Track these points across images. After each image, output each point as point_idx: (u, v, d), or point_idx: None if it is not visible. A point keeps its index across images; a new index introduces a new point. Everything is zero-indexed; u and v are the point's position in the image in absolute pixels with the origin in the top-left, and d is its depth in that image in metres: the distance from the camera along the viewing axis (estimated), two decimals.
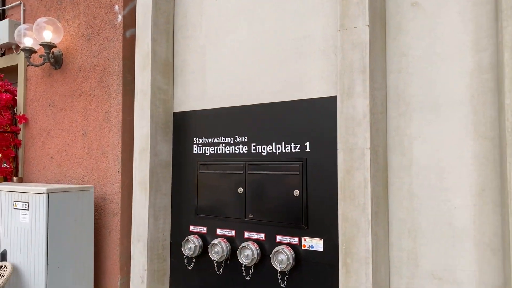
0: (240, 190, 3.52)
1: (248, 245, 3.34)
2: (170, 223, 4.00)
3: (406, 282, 2.72)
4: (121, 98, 4.11)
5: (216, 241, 3.52)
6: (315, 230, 3.14)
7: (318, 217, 3.13)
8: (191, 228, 3.84)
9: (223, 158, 3.67)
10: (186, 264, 3.75)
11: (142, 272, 3.81)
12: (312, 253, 3.15)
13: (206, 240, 3.74)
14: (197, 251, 3.66)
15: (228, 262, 3.56)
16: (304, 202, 3.18)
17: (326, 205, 3.09)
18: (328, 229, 3.08)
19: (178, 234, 3.94)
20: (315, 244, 3.14)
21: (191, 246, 3.69)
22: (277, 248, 3.20)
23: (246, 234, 3.50)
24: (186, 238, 3.72)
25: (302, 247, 3.20)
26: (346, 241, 2.72)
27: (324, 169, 3.11)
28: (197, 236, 3.74)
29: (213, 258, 3.53)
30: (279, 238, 3.32)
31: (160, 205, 3.91)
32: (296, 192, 3.22)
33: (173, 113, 4.07)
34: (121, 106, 4.11)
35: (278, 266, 3.17)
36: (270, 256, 3.22)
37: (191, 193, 3.86)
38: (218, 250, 3.50)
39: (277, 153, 3.36)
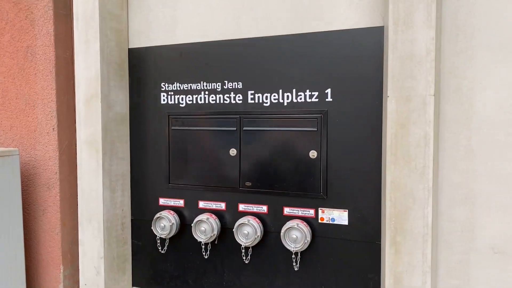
0: (233, 152, 2.72)
1: (248, 221, 2.61)
2: (130, 196, 3.08)
3: (458, 258, 2.25)
4: (52, 26, 2.93)
5: (203, 217, 2.72)
6: (338, 199, 2.51)
7: (342, 184, 2.49)
8: (161, 201, 2.97)
9: (207, 110, 2.80)
10: (159, 247, 2.91)
11: (97, 261, 2.89)
12: (333, 227, 2.54)
13: (183, 216, 2.92)
14: (173, 231, 2.83)
15: (216, 243, 2.81)
16: (323, 165, 2.51)
17: (353, 169, 2.46)
18: (355, 199, 2.47)
19: (142, 210, 3.04)
20: (338, 216, 2.52)
21: (165, 224, 2.84)
22: (289, 224, 2.53)
23: (242, 207, 2.75)
24: (158, 215, 2.85)
25: (320, 221, 2.57)
26: (396, 214, 2.13)
27: (352, 124, 2.44)
28: (172, 212, 2.89)
29: (199, 239, 2.74)
30: (287, 210, 2.64)
31: (117, 172, 2.95)
32: (313, 154, 2.53)
33: (130, 49, 3.02)
34: (52, 38, 2.94)
35: (291, 246, 2.51)
36: (281, 233, 2.54)
37: (159, 157, 2.95)
38: (205, 229, 2.72)
39: (285, 104, 2.60)
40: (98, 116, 2.80)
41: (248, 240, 2.63)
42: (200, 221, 2.73)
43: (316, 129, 2.52)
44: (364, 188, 2.45)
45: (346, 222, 2.50)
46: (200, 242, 2.78)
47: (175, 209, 2.93)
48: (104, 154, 2.82)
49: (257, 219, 2.67)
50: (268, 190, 2.66)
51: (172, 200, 2.94)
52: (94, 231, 2.87)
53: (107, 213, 2.87)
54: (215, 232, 2.71)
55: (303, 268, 2.61)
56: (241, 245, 2.68)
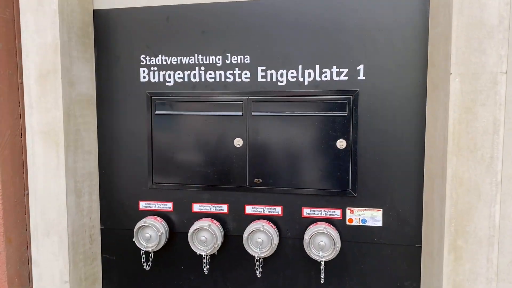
0: (238, 142, 2.20)
1: (263, 226, 2.13)
2: (100, 200, 2.42)
3: (510, 260, 1.99)
4: None
5: (203, 224, 2.18)
6: (370, 197, 2.13)
7: (376, 179, 2.11)
8: (142, 205, 2.37)
9: (203, 90, 2.24)
10: (143, 263, 2.32)
11: (59, 285, 2.22)
12: (364, 230, 2.15)
13: (171, 223, 2.35)
14: (162, 242, 2.26)
15: (215, 254, 2.29)
16: (353, 157, 2.11)
17: (389, 161, 2.08)
18: (391, 196, 2.10)
19: (115, 216, 2.41)
20: (370, 217, 2.14)
21: (151, 234, 2.25)
22: (315, 228, 2.09)
23: (249, 209, 2.26)
24: (141, 224, 2.25)
25: (348, 223, 2.17)
26: (458, 214, 1.80)
27: (388, 108, 2.06)
28: (158, 219, 2.31)
29: (199, 251, 2.20)
30: (307, 212, 2.20)
31: (83, 171, 2.28)
32: (341, 143, 2.11)
33: (95, 11, 2.33)
34: None
35: (318, 255, 2.09)
36: (306, 239, 2.10)
37: (137, 150, 2.34)
38: (206, 239, 2.19)
39: (306, 83, 2.13)
40: (57, 97, 2.11)
41: (263, 250, 2.15)
42: (200, 228, 2.19)
43: (345, 114, 2.09)
44: (402, 184, 2.09)
45: (380, 223, 2.13)
46: (200, 254, 2.24)
47: (161, 214, 2.35)
48: (67, 147, 2.14)
49: (271, 224, 2.20)
50: (283, 187, 2.20)
51: (156, 203, 2.35)
52: (54, 248, 2.20)
53: (72, 224, 2.20)
54: (219, 242, 2.19)
55: (329, 280, 2.20)
56: (253, 256, 2.19)
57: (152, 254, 2.33)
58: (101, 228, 2.43)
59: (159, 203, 2.34)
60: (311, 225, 2.15)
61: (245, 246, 2.17)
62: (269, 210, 2.23)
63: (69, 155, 2.16)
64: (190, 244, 2.21)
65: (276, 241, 2.13)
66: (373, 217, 2.14)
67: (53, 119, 2.12)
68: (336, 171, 2.13)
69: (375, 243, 2.15)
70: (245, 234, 2.16)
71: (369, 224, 2.14)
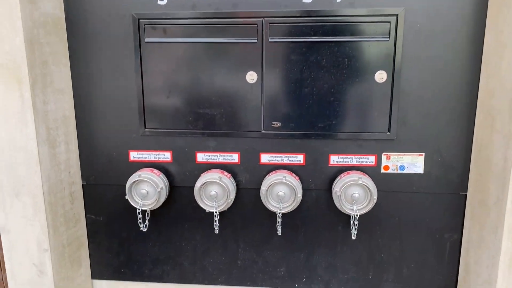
0: (252, 77, 1.78)
1: (284, 177, 1.78)
2: (79, 151, 1.98)
3: None
4: None
5: (213, 176, 1.80)
6: (412, 140, 1.81)
7: (419, 119, 1.78)
8: (134, 155, 1.95)
9: (205, 11, 1.77)
10: (140, 224, 1.93)
11: (37, 256, 1.82)
12: (402, 178, 1.85)
13: (171, 176, 1.95)
14: (162, 198, 1.87)
15: (225, 211, 1.93)
16: (396, 93, 1.75)
17: (436, 96, 1.75)
18: (435, 138, 1.79)
19: (100, 170, 1.98)
20: (410, 163, 1.83)
21: (148, 190, 1.86)
22: (348, 178, 1.77)
23: (265, 158, 1.89)
24: (135, 177, 1.84)
25: (383, 170, 1.85)
26: None
27: (442, 31, 1.68)
28: (156, 171, 1.90)
29: (208, 208, 1.84)
30: (335, 159, 1.86)
31: (56, 115, 1.81)
32: (381, 76, 1.73)
33: None
34: None
35: (352, 208, 1.78)
36: (335, 191, 1.77)
37: (124, 88, 1.87)
38: (217, 193, 1.82)
39: (338, 0, 1.71)
40: (15, 18, 1.58)
41: (285, 205, 1.82)
42: (210, 182, 1.81)
43: (387, 39, 1.70)
44: (450, 123, 1.77)
45: (421, 170, 1.83)
46: (209, 212, 1.88)
47: (157, 166, 1.94)
48: (33, 85, 1.65)
49: (293, 175, 1.85)
50: (306, 131, 1.83)
51: (151, 153, 1.93)
52: (27, 211, 1.77)
53: (47, 181, 1.77)
54: (232, 197, 1.83)
55: (359, 235, 1.92)
56: (270, 212, 1.86)
57: (149, 212, 1.96)
58: (83, 185, 2.01)
59: (154, 153, 1.93)
60: (342, 175, 1.82)
61: (263, 201, 1.82)
62: (289, 159, 1.88)
63: (37, 94, 1.68)
64: (198, 200, 1.84)
65: (300, 194, 1.80)
66: (413, 163, 1.83)
67: (12, 48, 1.61)
68: (374, 110, 1.78)
69: (414, 192, 1.86)
70: (263, 187, 1.81)
71: (408, 172, 1.84)
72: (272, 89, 1.79)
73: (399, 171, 1.84)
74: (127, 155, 1.94)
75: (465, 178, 1.82)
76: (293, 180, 1.79)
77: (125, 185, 1.93)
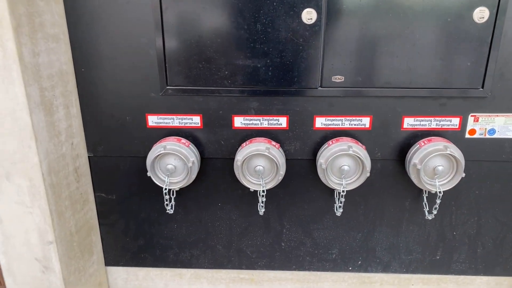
0: (310, 16, 1.35)
1: (350, 147, 1.41)
2: (82, 115, 1.55)
3: None
4: None
5: (258, 147, 1.42)
6: (508, 98, 1.44)
7: None
8: (152, 120, 1.53)
9: None
10: (166, 205, 1.56)
11: (40, 249, 1.46)
12: (490, 145, 1.50)
13: (201, 146, 1.56)
14: (193, 174, 1.49)
15: (264, 192, 1.56)
16: (497, 36, 1.35)
17: None
18: None
19: (110, 139, 1.57)
20: (502, 126, 1.48)
21: (175, 165, 1.47)
22: (430, 147, 1.41)
23: (321, 122, 1.51)
24: (159, 150, 1.44)
25: (467, 135, 1.50)
26: None
27: None
28: (184, 141, 1.51)
29: (253, 187, 1.48)
30: (409, 122, 1.49)
31: (51, 70, 1.36)
32: (481, 14, 1.32)
33: None
34: None
35: (434, 184, 1.44)
36: (415, 163, 1.42)
37: (138, 33, 1.41)
38: (263, 168, 1.45)
39: None
40: None
41: (349, 181, 1.47)
42: (254, 154, 1.43)
43: None
44: None
45: None
46: (253, 189, 1.52)
47: (184, 133, 1.54)
48: (17, 28, 1.19)
49: (359, 143, 1.48)
50: (376, 87, 1.44)
51: (175, 117, 1.52)
52: (23, 196, 1.38)
53: (46, 158, 1.36)
54: (282, 172, 1.46)
55: (448, 212, 1.60)
56: (324, 187, 1.52)
57: (174, 191, 1.58)
58: (89, 157, 1.61)
59: (180, 116, 1.52)
60: (421, 142, 1.46)
61: (322, 176, 1.47)
62: (352, 123, 1.50)
63: (24, 42, 1.22)
64: (239, 177, 1.47)
65: (368, 167, 1.44)
66: (506, 125, 1.47)
67: None
68: (464, 59, 1.38)
69: (503, 161, 1.53)
70: (321, 160, 1.44)
71: (498, 136, 1.49)
72: (335, 33, 1.37)
73: (487, 136, 1.49)
74: (145, 120, 1.53)
75: None
76: (360, 151, 1.43)
77: (141, 156, 1.56)
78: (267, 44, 1.39)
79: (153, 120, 1.53)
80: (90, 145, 1.58)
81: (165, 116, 1.52)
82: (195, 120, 1.52)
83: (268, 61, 1.42)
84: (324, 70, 1.42)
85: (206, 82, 1.46)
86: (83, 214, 1.61)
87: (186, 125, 1.53)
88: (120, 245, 1.76)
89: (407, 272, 1.74)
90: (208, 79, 1.45)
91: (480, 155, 1.52)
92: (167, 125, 1.53)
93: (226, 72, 1.44)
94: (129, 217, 1.71)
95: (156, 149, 1.46)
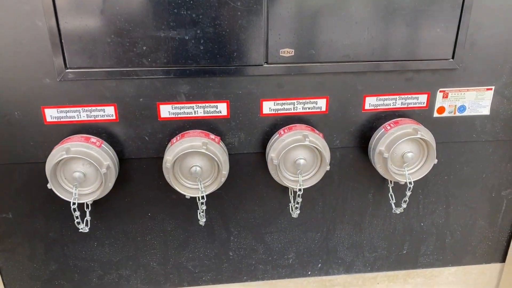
0: None
1: (305, 137, 1.15)
2: None
3: None
4: None
5: (193, 143, 1.12)
6: (480, 69, 1.24)
7: (497, 37, 1.21)
8: (50, 114, 1.17)
9: None
10: (78, 222, 1.21)
11: None
12: (459, 123, 1.32)
13: (119, 145, 1.23)
14: (111, 182, 1.16)
15: (204, 198, 1.26)
16: None
17: None
18: (511, 65, 1.25)
19: None
20: (473, 101, 1.29)
21: (86, 172, 1.13)
22: (398, 130, 1.19)
23: (269, 107, 1.22)
24: (61, 154, 1.09)
25: (436, 114, 1.30)
26: None
27: None
28: (94, 140, 1.16)
29: (188, 193, 1.18)
30: (371, 102, 1.26)
31: None
32: None
33: None
34: None
35: (402, 172, 1.23)
36: (380, 150, 1.20)
37: None
38: (200, 169, 1.15)
39: None
40: None
41: (306, 175, 1.22)
42: (190, 152, 1.12)
43: None
44: None
45: (486, 111, 1.30)
46: (196, 197, 1.21)
47: (95, 129, 1.20)
48: None
49: (316, 131, 1.23)
50: (332, 62, 1.18)
51: (81, 109, 1.17)
52: None
53: None
54: (225, 171, 1.17)
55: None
56: (291, 189, 1.26)
57: (89, 204, 1.24)
58: None
59: (87, 108, 1.17)
60: (386, 125, 1.24)
61: (273, 173, 1.20)
62: (305, 106, 1.24)
63: None
64: (171, 181, 1.16)
65: (327, 158, 1.19)
66: (477, 101, 1.29)
67: None
68: (433, 25, 1.16)
69: (473, 141, 1.35)
70: (272, 154, 1.17)
71: (470, 114, 1.30)
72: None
73: (457, 114, 1.30)
74: (41, 115, 1.16)
75: None
76: (318, 140, 1.18)
77: (41, 162, 1.19)
78: (196, 10, 1.07)
79: (51, 115, 1.17)
80: None
81: (67, 109, 1.16)
82: (108, 112, 1.18)
83: (199, 31, 1.10)
84: (270, 43, 1.14)
85: (118, 62, 1.12)
86: None
87: (97, 118, 1.18)
88: (25, 274, 1.39)
89: (372, 270, 1.55)
90: (121, 58, 1.11)
91: (450, 136, 1.33)
92: (71, 120, 1.18)
93: (144, 48, 1.11)
94: (34, 239, 1.34)
95: (57, 153, 1.10)
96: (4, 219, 1.30)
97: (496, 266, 1.59)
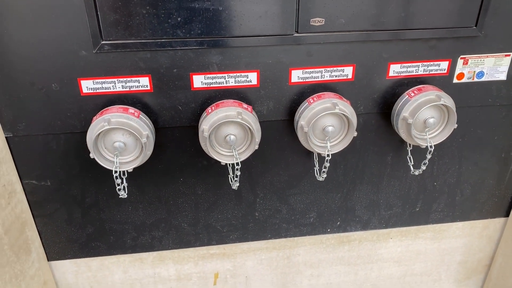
0: None
1: (335, 105, 1.20)
2: None
3: None
4: None
5: (228, 112, 1.17)
6: (501, 36, 1.29)
7: None
8: (87, 86, 1.20)
9: None
10: (118, 189, 1.28)
11: None
12: (477, 89, 1.37)
13: (154, 115, 1.27)
14: (148, 151, 1.21)
15: (239, 165, 1.32)
16: None
17: None
18: None
19: (32, 112, 1.22)
20: (491, 67, 1.34)
21: (125, 142, 1.18)
22: (421, 97, 1.25)
23: (298, 75, 1.27)
24: (103, 125, 1.13)
25: (456, 80, 1.35)
26: None
27: None
28: (133, 110, 1.20)
29: (224, 160, 1.24)
30: (396, 69, 1.30)
31: None
32: None
33: None
34: None
35: (424, 138, 1.30)
36: (405, 116, 1.26)
37: None
38: (235, 136, 1.20)
39: None
40: None
41: (334, 141, 1.28)
42: (225, 122, 1.17)
43: None
44: None
45: (503, 76, 1.36)
46: (227, 163, 1.28)
47: (130, 99, 1.23)
48: None
49: (343, 98, 1.28)
50: (359, 31, 1.21)
51: (117, 80, 1.20)
52: None
53: None
54: (257, 139, 1.23)
55: (442, 162, 1.48)
56: (316, 154, 1.33)
57: (126, 172, 1.30)
58: (7, 138, 1.25)
59: (123, 79, 1.20)
60: (409, 92, 1.29)
61: (303, 140, 1.26)
62: (332, 74, 1.28)
63: None
64: (207, 149, 1.21)
65: (355, 125, 1.26)
66: (495, 67, 1.34)
67: None
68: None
69: (488, 105, 1.42)
70: (303, 122, 1.23)
71: (487, 79, 1.36)
72: None
73: (475, 79, 1.36)
74: (77, 87, 1.19)
75: None
76: (347, 108, 1.23)
77: (78, 132, 1.24)
78: None
79: (88, 86, 1.20)
80: (7, 122, 1.22)
81: (103, 80, 1.19)
82: (143, 82, 1.21)
83: (230, 2, 1.12)
84: (301, 12, 1.16)
85: (153, 33, 1.14)
86: (11, 209, 1.28)
87: (132, 89, 1.22)
88: (64, 237, 1.47)
89: (386, 227, 1.66)
90: (155, 29, 1.13)
91: (467, 100, 1.39)
92: (107, 90, 1.21)
93: (179, 19, 1.12)
94: (72, 204, 1.41)
95: (98, 124, 1.14)
96: (43, 187, 1.36)
97: (500, 220, 1.71)
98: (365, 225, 1.64)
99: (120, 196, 1.28)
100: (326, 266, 1.74)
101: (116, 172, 1.20)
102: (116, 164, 1.19)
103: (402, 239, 1.71)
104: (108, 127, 1.13)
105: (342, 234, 1.66)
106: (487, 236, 1.75)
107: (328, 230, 1.63)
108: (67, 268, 1.55)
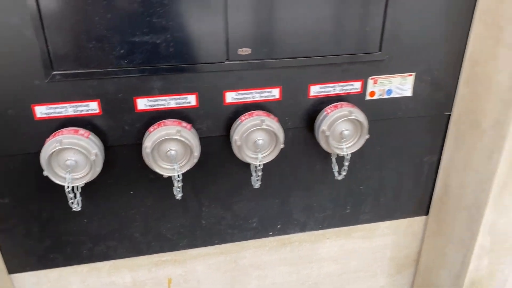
0: None
1: (263, 121, 1.39)
2: None
3: None
4: None
5: (168, 131, 1.34)
6: (402, 59, 1.53)
7: (413, 33, 1.48)
8: (40, 111, 1.33)
9: None
10: (71, 203, 1.41)
11: None
12: (388, 104, 1.61)
13: (103, 134, 1.42)
14: (98, 167, 1.35)
15: (180, 177, 1.49)
16: (390, 2, 1.40)
17: (428, 6, 1.45)
18: (427, 54, 1.54)
19: None
20: (398, 86, 1.58)
21: (77, 159, 1.32)
22: (336, 113, 1.46)
23: (231, 97, 1.45)
24: (54, 145, 1.27)
25: (368, 97, 1.58)
26: None
27: None
28: (83, 132, 1.35)
29: (166, 173, 1.40)
30: (315, 90, 1.52)
31: None
32: None
33: None
34: None
35: (340, 147, 1.51)
36: (323, 130, 1.46)
37: (5, 4, 1.18)
38: (176, 152, 1.37)
39: None
40: None
41: (265, 153, 1.47)
42: (166, 139, 1.34)
43: None
44: (441, 36, 1.51)
45: (408, 92, 1.60)
46: (170, 176, 1.44)
47: (80, 122, 1.38)
48: None
49: (271, 115, 1.47)
50: (283, 58, 1.42)
51: (68, 105, 1.34)
52: None
53: None
54: (197, 153, 1.40)
55: (354, 170, 1.68)
56: (252, 165, 1.51)
57: (79, 186, 1.43)
58: None
59: (74, 104, 1.35)
60: (327, 109, 1.50)
61: (237, 152, 1.44)
62: (263, 95, 1.47)
63: None
64: (151, 164, 1.38)
65: (282, 138, 1.45)
66: (401, 85, 1.58)
67: None
68: (363, 24, 1.42)
69: (399, 117, 1.65)
70: (236, 136, 1.41)
71: (395, 96, 1.59)
72: (239, 3, 1.30)
73: (385, 96, 1.59)
74: (31, 112, 1.33)
75: (450, 98, 1.65)
76: (273, 123, 1.42)
77: (33, 153, 1.37)
78: (167, 18, 1.27)
79: (41, 111, 1.34)
80: None
81: (56, 105, 1.34)
82: (92, 107, 1.37)
83: (169, 35, 1.30)
84: (230, 43, 1.35)
85: (100, 64, 1.30)
86: None
87: (82, 112, 1.37)
88: (23, 250, 1.58)
89: (322, 228, 1.85)
90: (101, 60, 1.29)
91: (380, 114, 1.62)
92: (59, 115, 1.35)
93: (122, 51, 1.29)
94: (29, 219, 1.52)
95: (51, 145, 1.28)
96: (2, 204, 1.47)
97: (422, 218, 1.94)
98: (303, 227, 1.83)
99: (73, 209, 1.42)
100: (271, 267, 1.91)
101: (68, 187, 1.34)
102: (69, 180, 1.33)
103: (337, 239, 1.91)
104: (60, 147, 1.27)
105: (283, 237, 1.84)
106: (412, 233, 1.98)
107: (270, 233, 1.81)
108: (28, 280, 1.65)
